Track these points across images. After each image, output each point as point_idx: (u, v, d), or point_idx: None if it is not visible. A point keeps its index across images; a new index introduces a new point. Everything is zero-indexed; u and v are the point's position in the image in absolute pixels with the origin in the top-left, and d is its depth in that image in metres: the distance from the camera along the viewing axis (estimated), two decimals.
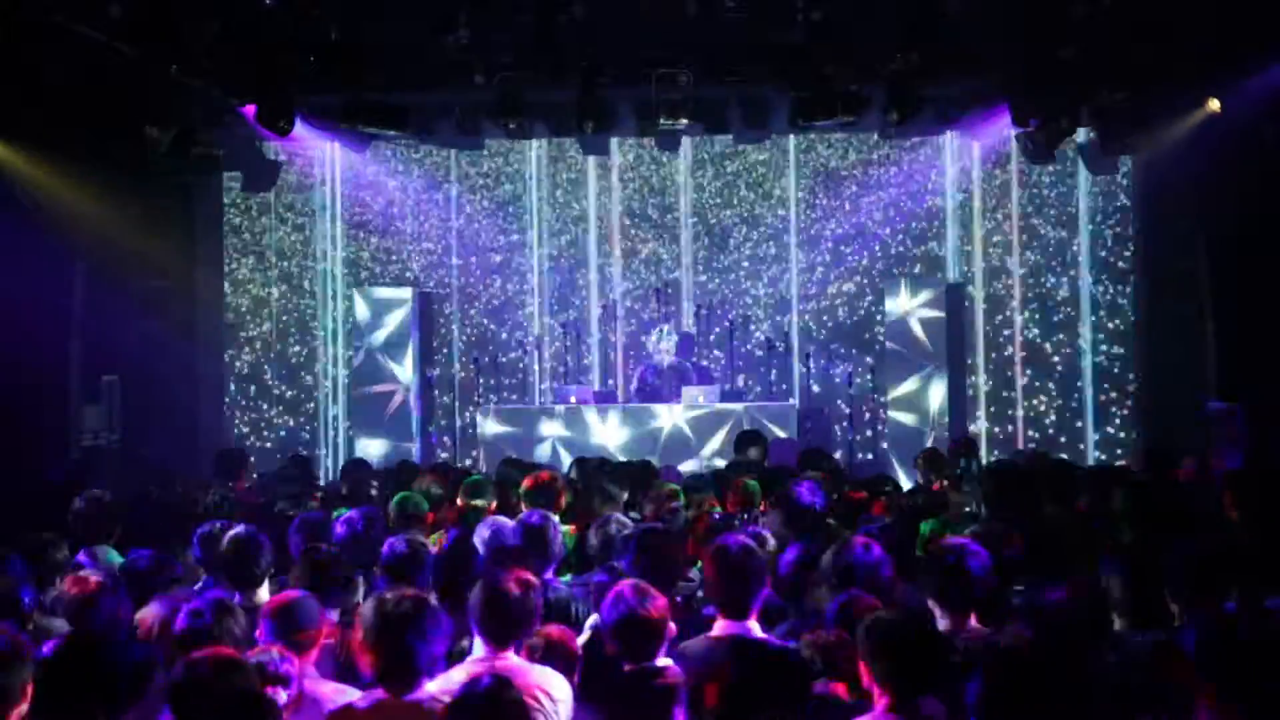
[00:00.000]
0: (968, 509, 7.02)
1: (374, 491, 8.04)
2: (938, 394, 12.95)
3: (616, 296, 14.31)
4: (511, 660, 4.00)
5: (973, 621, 4.30)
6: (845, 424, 13.62)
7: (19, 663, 3.36)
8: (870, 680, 3.55)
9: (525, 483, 6.74)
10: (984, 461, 10.82)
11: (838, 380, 13.78)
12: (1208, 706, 3.02)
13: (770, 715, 3.27)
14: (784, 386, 13.94)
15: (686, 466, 10.80)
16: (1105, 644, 4.23)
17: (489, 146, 13.68)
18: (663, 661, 3.97)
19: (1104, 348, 13.82)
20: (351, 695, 3.92)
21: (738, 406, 12.16)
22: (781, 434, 11.56)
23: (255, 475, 11.44)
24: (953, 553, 4.35)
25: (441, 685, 3.76)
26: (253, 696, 3.49)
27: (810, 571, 4.64)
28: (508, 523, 5.89)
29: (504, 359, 14.10)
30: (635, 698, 3.82)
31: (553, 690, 3.91)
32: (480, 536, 5.71)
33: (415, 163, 14.43)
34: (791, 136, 13.70)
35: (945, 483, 7.63)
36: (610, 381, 14.09)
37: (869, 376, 13.64)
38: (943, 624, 4.30)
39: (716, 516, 6.13)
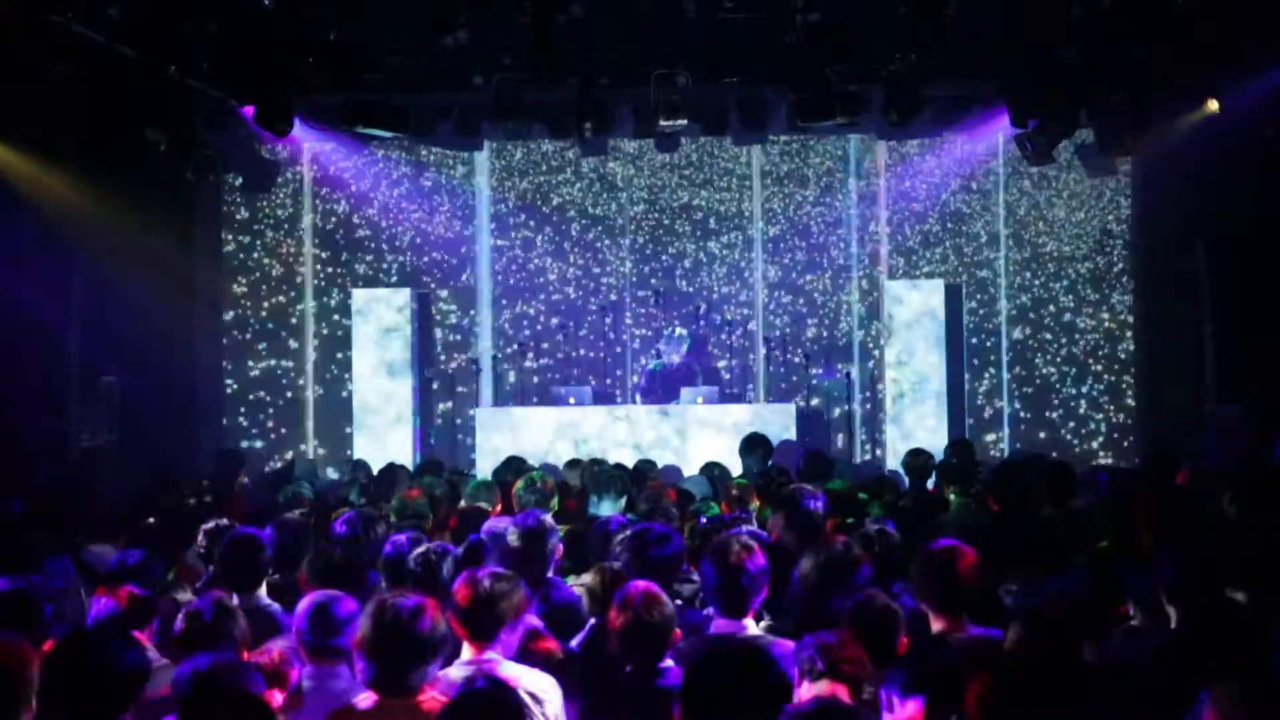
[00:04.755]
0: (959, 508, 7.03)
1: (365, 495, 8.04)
2: (936, 394, 12.92)
3: (616, 297, 14.32)
4: (497, 661, 4.00)
5: (966, 622, 4.30)
6: (844, 425, 13.62)
7: (26, 670, 3.36)
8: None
9: (519, 484, 6.72)
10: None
11: (837, 381, 13.77)
12: (1215, 707, 2.99)
13: (748, 715, 3.26)
14: (783, 387, 13.94)
15: (684, 468, 10.79)
16: (1106, 644, 4.24)
17: (489, 146, 13.71)
18: (666, 663, 3.97)
19: (1102, 349, 13.83)
20: (358, 695, 3.91)
21: (737, 408, 12.15)
22: (781, 436, 11.54)
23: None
24: (944, 554, 4.34)
25: (437, 686, 3.76)
26: (257, 702, 3.48)
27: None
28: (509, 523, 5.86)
29: (503, 359, 14.10)
30: (637, 699, 3.81)
31: (539, 691, 3.91)
32: (478, 536, 5.68)
33: (414, 163, 14.43)
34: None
35: (941, 484, 7.63)
36: (608, 381, 14.09)
37: (868, 377, 13.64)
38: (936, 625, 4.30)
39: (704, 520, 6.12)
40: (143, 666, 3.59)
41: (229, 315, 14.17)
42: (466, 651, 4.03)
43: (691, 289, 14.28)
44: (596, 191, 14.44)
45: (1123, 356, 13.78)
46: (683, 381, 12.61)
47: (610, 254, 14.44)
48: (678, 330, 13.09)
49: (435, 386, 13.86)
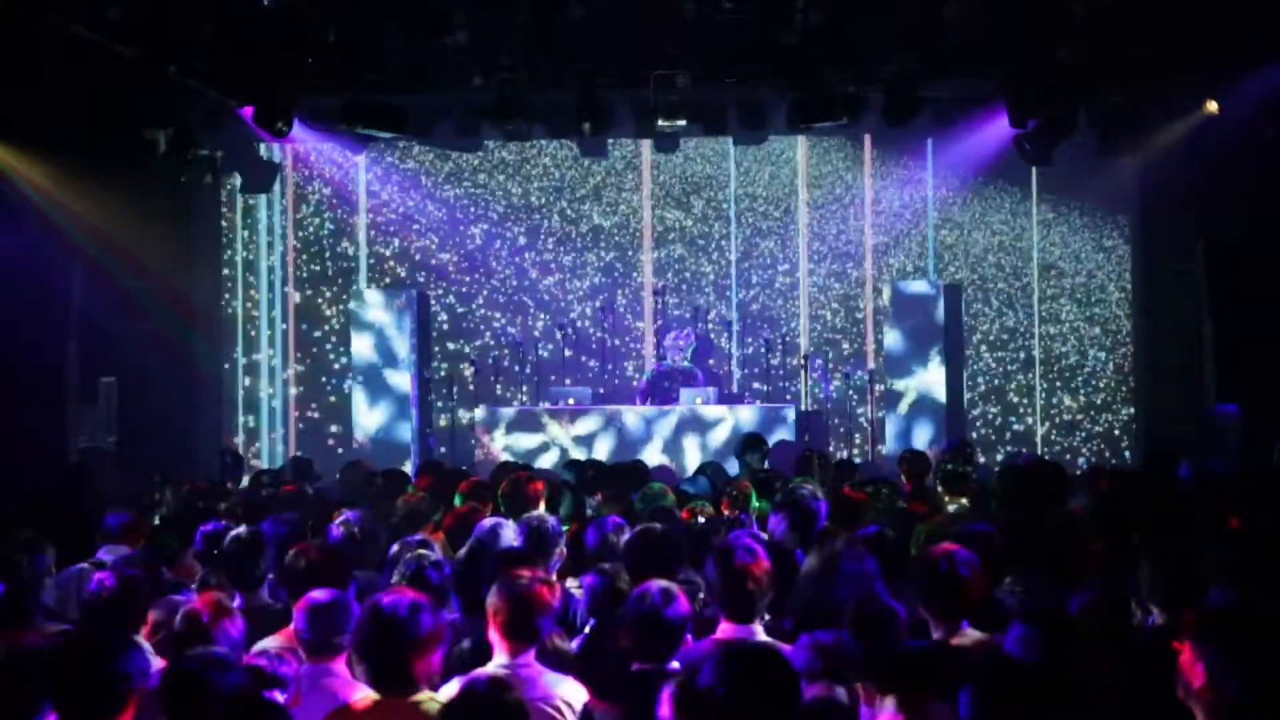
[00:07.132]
0: (954, 510, 7.02)
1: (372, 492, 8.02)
2: (935, 395, 12.91)
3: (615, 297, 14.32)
4: (532, 665, 3.96)
5: (966, 627, 4.28)
6: (843, 427, 13.62)
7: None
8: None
9: (502, 486, 6.63)
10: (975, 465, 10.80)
11: (836, 382, 13.77)
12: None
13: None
14: (781, 388, 13.93)
15: (683, 468, 10.79)
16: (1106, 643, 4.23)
17: (488, 145, 13.72)
18: (673, 664, 3.95)
19: (1100, 349, 13.83)
20: (356, 694, 3.90)
21: (737, 408, 12.15)
22: (782, 437, 11.53)
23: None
24: (944, 558, 4.31)
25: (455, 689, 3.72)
26: (246, 697, 3.47)
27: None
28: (507, 523, 5.84)
29: (502, 360, 14.10)
30: (645, 697, 3.81)
31: (573, 701, 3.88)
32: (478, 536, 5.66)
33: (413, 163, 14.42)
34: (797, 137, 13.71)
35: (940, 485, 7.62)
36: (616, 382, 14.09)
37: (866, 379, 13.63)
38: (936, 631, 4.27)
39: (701, 521, 6.12)
40: (140, 667, 3.58)
41: (228, 315, 14.15)
42: (501, 655, 3.97)
43: (692, 290, 14.26)
44: (598, 193, 14.43)
45: (1122, 357, 13.77)
46: (683, 383, 12.60)
47: (610, 256, 14.42)
48: (685, 334, 13.09)
49: (433, 387, 13.85)
